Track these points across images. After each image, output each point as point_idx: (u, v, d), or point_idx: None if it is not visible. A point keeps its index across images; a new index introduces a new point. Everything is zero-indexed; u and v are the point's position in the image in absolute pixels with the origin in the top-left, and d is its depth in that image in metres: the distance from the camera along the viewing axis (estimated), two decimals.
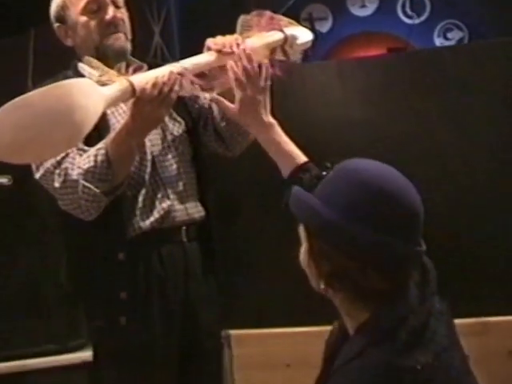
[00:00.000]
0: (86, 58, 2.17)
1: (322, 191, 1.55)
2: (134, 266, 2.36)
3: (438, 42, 5.94)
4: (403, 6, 5.97)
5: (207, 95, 2.59)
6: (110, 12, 2.39)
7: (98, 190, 2.20)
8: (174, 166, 2.44)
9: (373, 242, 1.45)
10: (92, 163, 2.20)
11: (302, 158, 2.00)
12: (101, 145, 2.23)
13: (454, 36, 5.91)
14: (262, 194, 3.28)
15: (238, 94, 2.12)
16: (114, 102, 2.06)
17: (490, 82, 3.28)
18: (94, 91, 1.95)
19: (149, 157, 2.39)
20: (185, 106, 2.56)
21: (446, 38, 5.93)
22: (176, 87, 2.14)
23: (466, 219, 3.25)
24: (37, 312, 3.24)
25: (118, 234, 2.34)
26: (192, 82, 2.19)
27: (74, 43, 2.46)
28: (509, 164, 3.24)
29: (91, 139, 2.25)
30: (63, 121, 1.85)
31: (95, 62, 2.12)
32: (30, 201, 3.24)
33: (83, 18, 2.40)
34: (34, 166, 2.30)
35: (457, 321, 1.61)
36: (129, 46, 2.45)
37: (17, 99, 1.81)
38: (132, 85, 2.05)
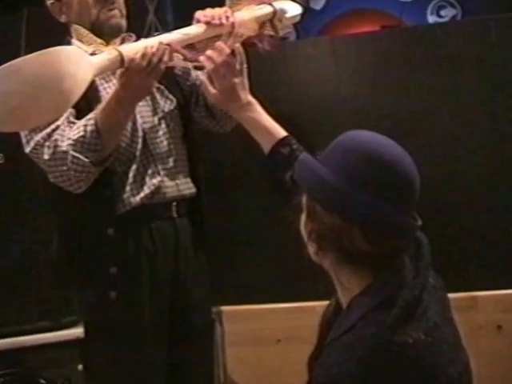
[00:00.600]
0: (75, 26, 2.14)
1: (326, 159, 1.56)
2: (123, 241, 2.37)
3: (431, 19, 5.88)
4: None
5: (199, 72, 2.60)
6: None
7: (87, 160, 2.20)
8: (165, 143, 2.45)
9: (372, 208, 1.46)
10: (81, 133, 2.21)
11: (282, 133, 2.04)
12: (90, 115, 2.23)
13: (447, 13, 5.86)
14: (253, 171, 3.27)
15: (217, 83, 2.15)
16: (102, 71, 2.05)
17: (482, 59, 3.26)
18: (82, 59, 1.93)
19: (140, 133, 2.39)
20: (176, 84, 2.56)
21: (439, 16, 5.88)
22: (165, 58, 2.13)
23: (456, 194, 3.23)
24: (29, 289, 3.23)
25: (107, 209, 2.35)
26: (181, 53, 2.18)
27: (68, 20, 2.44)
28: (500, 140, 3.23)
29: (82, 112, 2.25)
30: (51, 88, 1.83)
31: (83, 30, 2.10)
32: (22, 179, 3.22)
33: None
34: (24, 140, 2.30)
35: None
36: (124, 22, 2.44)
37: (4, 65, 1.79)
38: (121, 54, 2.04)
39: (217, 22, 2.23)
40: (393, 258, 1.52)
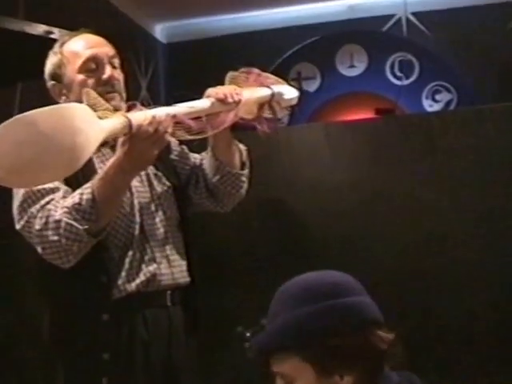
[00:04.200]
0: (86, 89, 2.19)
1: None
2: (117, 328, 2.37)
3: (427, 103, 5.94)
4: (392, 67, 6.00)
5: (197, 155, 2.66)
6: (108, 71, 2.45)
7: (81, 228, 2.20)
8: (162, 230, 2.48)
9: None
10: (77, 200, 2.22)
11: None
12: (87, 184, 2.25)
13: (443, 98, 5.90)
14: (247, 258, 3.30)
15: None
16: (111, 135, 2.09)
17: (478, 148, 3.33)
18: (93, 119, 1.98)
19: (137, 219, 2.43)
20: (174, 170, 2.61)
21: (435, 100, 5.93)
22: (170, 129, 2.18)
23: (453, 286, 3.26)
24: (13, 372, 3.21)
25: (103, 295, 2.35)
26: (186, 124, 2.23)
27: (67, 102, 2.49)
28: (495, 231, 3.27)
29: (77, 184, 2.27)
30: (66, 141, 1.86)
31: (94, 93, 2.14)
32: (9, 256, 3.23)
33: (80, 77, 2.45)
34: (17, 216, 2.33)
35: None
36: (123, 105, 2.47)
37: (19, 116, 1.82)
38: (129, 121, 2.08)
39: (230, 100, 2.31)
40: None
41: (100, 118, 2.03)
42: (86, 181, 2.28)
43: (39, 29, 3.02)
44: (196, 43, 6.32)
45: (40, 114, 1.84)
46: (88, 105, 2.08)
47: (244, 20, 6.14)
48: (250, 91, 2.47)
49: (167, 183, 2.56)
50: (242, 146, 2.64)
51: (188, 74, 6.06)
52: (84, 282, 2.32)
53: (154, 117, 2.14)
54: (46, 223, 2.23)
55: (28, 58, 2.95)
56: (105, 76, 2.44)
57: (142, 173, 2.46)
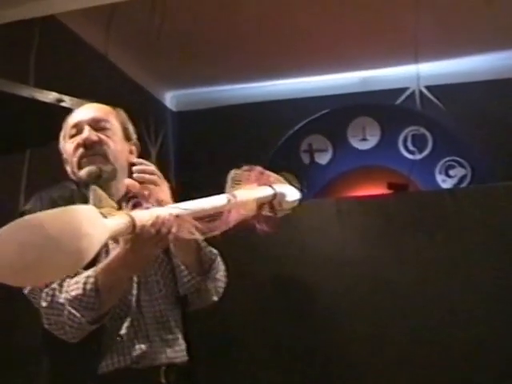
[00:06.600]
0: (93, 187, 2.22)
1: None
2: None
3: (440, 178, 5.96)
4: (405, 141, 6.05)
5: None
6: (84, 133, 2.47)
7: (83, 319, 2.23)
8: (158, 308, 2.48)
9: None
10: (80, 291, 2.24)
11: None
12: (90, 272, 2.26)
13: (456, 173, 5.92)
14: (255, 335, 3.30)
15: None
16: (115, 236, 2.09)
17: (490, 227, 3.35)
18: (98, 221, 1.99)
19: (134, 292, 2.44)
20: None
21: (448, 175, 5.95)
22: (174, 229, 2.19)
23: (465, 366, 3.25)
24: None
25: (91, 363, 2.33)
26: (191, 224, 2.24)
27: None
28: (509, 306, 3.27)
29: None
30: (70, 245, 1.86)
31: (101, 192, 2.17)
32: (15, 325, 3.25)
33: (67, 145, 2.51)
34: None
35: None
36: (107, 168, 2.48)
37: (26, 217, 1.85)
38: (133, 221, 2.10)
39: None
40: None
41: (104, 215, 2.06)
42: (90, 264, 2.24)
43: (50, 96, 3.07)
44: (206, 112, 6.40)
45: (47, 217, 1.86)
46: (93, 201, 2.12)
47: (255, 90, 6.22)
48: (250, 191, 2.47)
49: (166, 258, 2.56)
50: (213, 251, 2.59)
51: (197, 143, 6.12)
52: (74, 347, 2.31)
53: (157, 217, 2.14)
54: (52, 302, 2.27)
55: (37, 124, 3.01)
56: (79, 139, 2.47)
57: None
